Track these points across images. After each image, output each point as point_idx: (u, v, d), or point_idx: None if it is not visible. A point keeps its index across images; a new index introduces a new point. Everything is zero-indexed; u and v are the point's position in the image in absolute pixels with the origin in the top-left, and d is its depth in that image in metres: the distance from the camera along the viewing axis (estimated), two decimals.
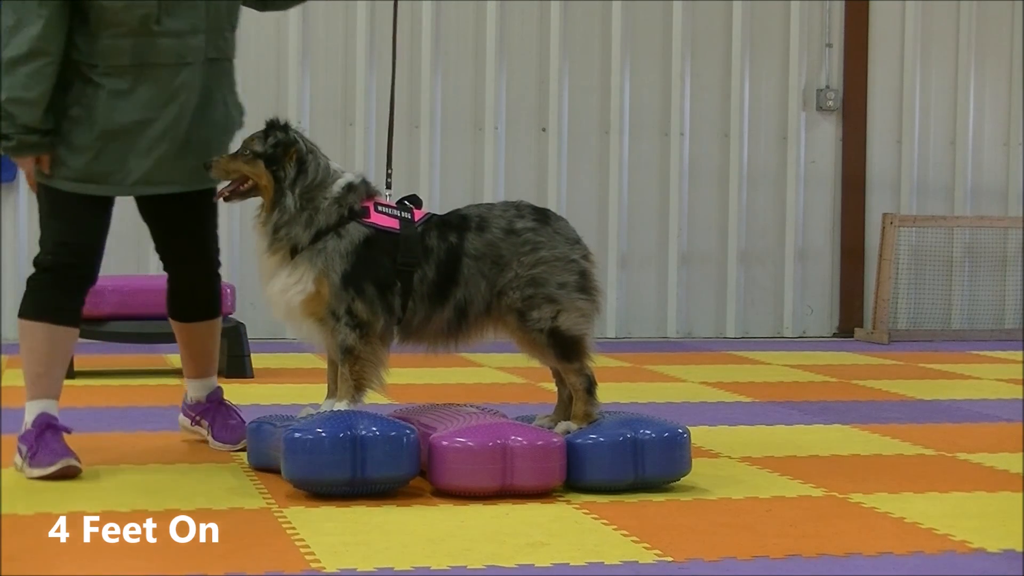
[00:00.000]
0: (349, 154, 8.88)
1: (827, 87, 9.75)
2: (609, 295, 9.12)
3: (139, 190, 4.33)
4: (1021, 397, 6.43)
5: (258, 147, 4.20)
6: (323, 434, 3.83)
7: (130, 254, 8.44)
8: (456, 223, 4.24)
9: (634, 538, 3.45)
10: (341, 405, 4.14)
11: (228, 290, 6.94)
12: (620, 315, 9.47)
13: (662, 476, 4.05)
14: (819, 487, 4.14)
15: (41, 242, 4.29)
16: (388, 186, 4.47)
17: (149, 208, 4.49)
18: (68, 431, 4.28)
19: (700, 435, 4.89)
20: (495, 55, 9.27)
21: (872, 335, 9.46)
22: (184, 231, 4.51)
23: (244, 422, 4.64)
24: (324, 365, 4.38)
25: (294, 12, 8.99)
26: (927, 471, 4.49)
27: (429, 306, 4.19)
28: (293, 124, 4.31)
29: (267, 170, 4.17)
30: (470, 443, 3.90)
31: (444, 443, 3.92)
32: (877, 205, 9.85)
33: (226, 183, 4.26)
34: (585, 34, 9.43)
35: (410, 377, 6.54)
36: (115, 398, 6.09)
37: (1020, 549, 3.39)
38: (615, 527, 3.57)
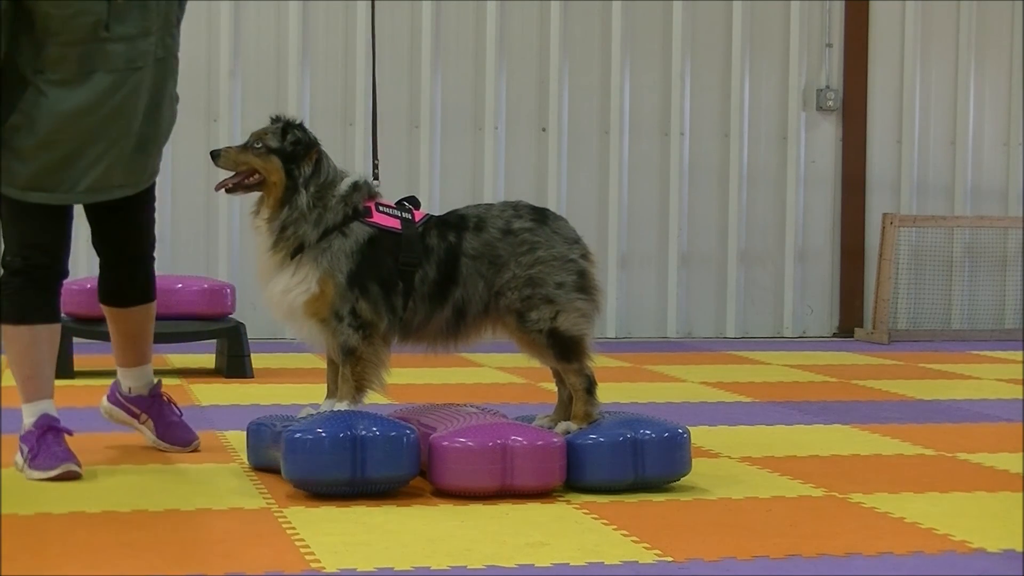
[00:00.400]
0: (349, 154, 8.87)
1: (827, 87, 9.75)
2: (609, 295, 9.12)
3: (90, 197, 4.23)
4: (1021, 397, 6.43)
5: (273, 143, 4.18)
6: (323, 434, 3.83)
7: None
8: (454, 223, 4.24)
9: (634, 538, 3.45)
10: (342, 406, 4.14)
11: (228, 290, 6.94)
12: (620, 315, 9.47)
13: (662, 476, 4.05)
14: (819, 487, 4.14)
15: (6, 246, 4.22)
16: (375, 177, 4.43)
17: (96, 209, 4.36)
18: (70, 433, 4.26)
19: (700, 435, 4.89)
20: (495, 55, 9.27)
21: (872, 335, 9.46)
22: (128, 225, 4.42)
23: (183, 419, 4.64)
24: (324, 365, 4.38)
25: (294, 12, 9.00)
26: (927, 471, 4.49)
27: (429, 306, 4.19)
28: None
29: (283, 167, 4.17)
30: (470, 443, 3.90)
31: (444, 443, 3.92)
32: (877, 205, 9.85)
33: (229, 174, 4.23)
34: (585, 34, 9.43)
35: (410, 377, 6.54)
36: None
37: (1020, 549, 3.39)
38: (615, 527, 3.57)
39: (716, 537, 3.50)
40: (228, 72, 8.95)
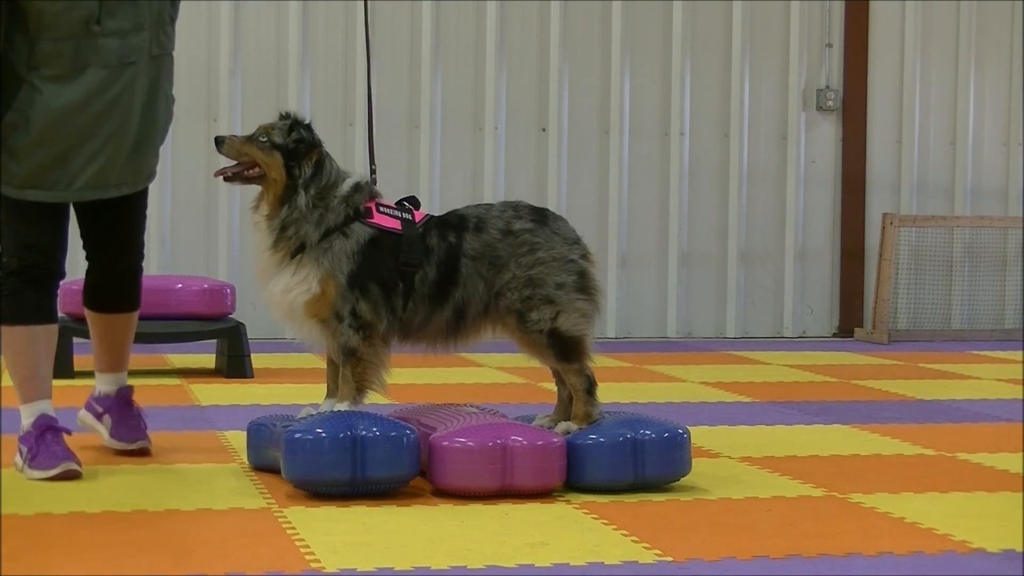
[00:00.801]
0: (349, 154, 8.87)
1: (827, 87, 9.75)
2: (609, 295, 9.12)
3: (87, 195, 4.21)
4: (1021, 397, 6.43)
5: (278, 138, 4.18)
6: (323, 434, 3.83)
7: None
8: (455, 223, 4.24)
9: (634, 538, 3.45)
10: (342, 406, 4.14)
11: (228, 290, 6.94)
12: (620, 315, 9.47)
13: (662, 476, 4.05)
14: (819, 487, 4.14)
15: (3, 247, 4.21)
16: (372, 171, 4.42)
17: (89, 208, 4.35)
18: (68, 432, 4.26)
19: (700, 435, 4.89)
20: (495, 55, 9.27)
21: (872, 335, 9.46)
22: (121, 228, 4.41)
23: (145, 427, 4.55)
24: (324, 365, 4.38)
25: (294, 12, 9.00)
26: (927, 471, 4.49)
27: (429, 307, 4.19)
28: None
29: (284, 164, 4.17)
30: (470, 443, 3.90)
31: (444, 443, 3.92)
32: (877, 205, 9.85)
33: (231, 163, 4.22)
34: (585, 34, 9.43)
35: (410, 377, 6.54)
36: None
37: (1020, 549, 3.39)
38: (615, 527, 3.57)
39: (716, 537, 3.50)
40: (228, 72, 8.95)
